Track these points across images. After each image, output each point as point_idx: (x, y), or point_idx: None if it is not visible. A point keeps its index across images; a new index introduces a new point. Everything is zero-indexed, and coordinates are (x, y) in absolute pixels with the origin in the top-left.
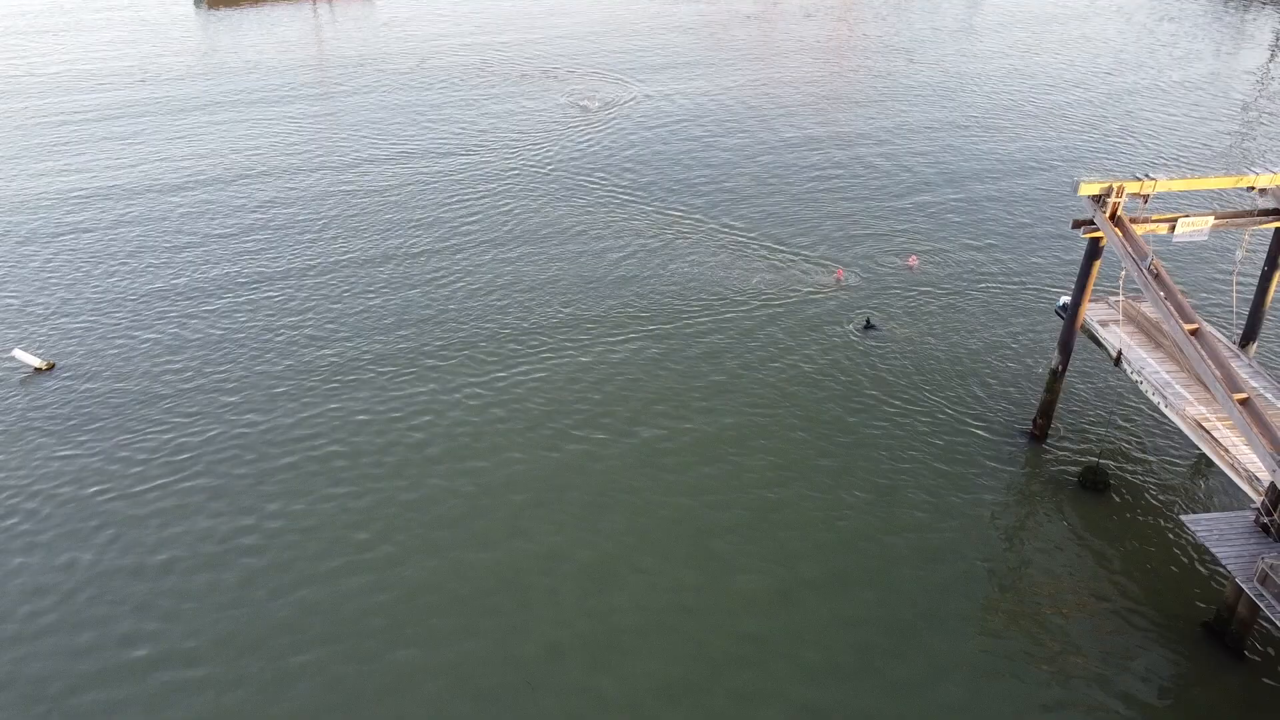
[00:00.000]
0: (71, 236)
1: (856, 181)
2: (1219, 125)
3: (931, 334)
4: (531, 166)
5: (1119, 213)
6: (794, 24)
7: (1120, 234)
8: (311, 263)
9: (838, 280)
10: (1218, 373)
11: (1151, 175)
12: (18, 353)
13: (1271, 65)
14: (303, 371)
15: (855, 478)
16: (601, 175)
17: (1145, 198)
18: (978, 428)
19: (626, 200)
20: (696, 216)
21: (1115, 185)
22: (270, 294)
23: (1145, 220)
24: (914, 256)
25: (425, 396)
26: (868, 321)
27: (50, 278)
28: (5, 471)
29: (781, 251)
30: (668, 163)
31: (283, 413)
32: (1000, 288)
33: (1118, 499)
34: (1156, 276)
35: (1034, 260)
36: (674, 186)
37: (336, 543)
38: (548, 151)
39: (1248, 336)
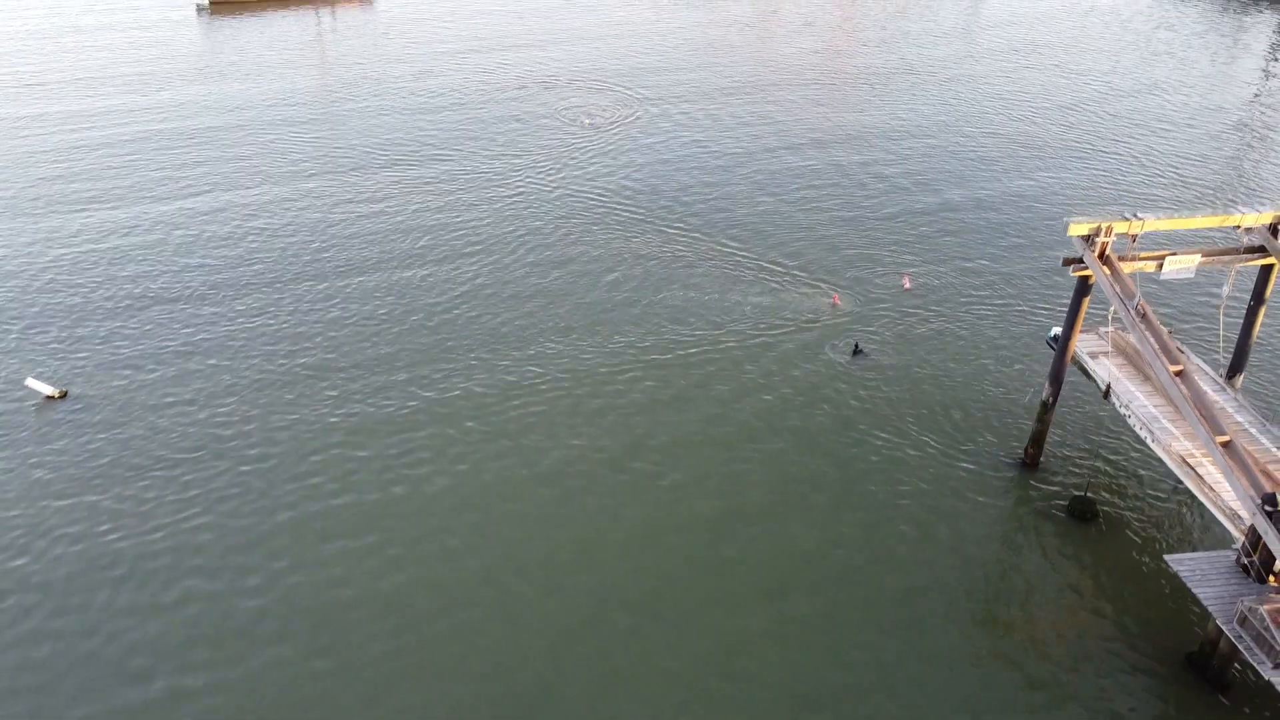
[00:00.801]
0: (81, 258)
1: (853, 195)
2: (1214, 132)
3: (924, 360)
4: (529, 182)
5: (1107, 252)
6: (793, 33)
7: (1108, 273)
8: (310, 285)
9: (834, 305)
10: (1201, 414)
11: (1139, 215)
12: (31, 381)
13: (1267, 77)
14: (305, 404)
15: (848, 510)
16: (598, 192)
17: (1134, 237)
18: (969, 457)
19: (624, 218)
20: (693, 235)
21: (1104, 225)
22: (270, 320)
23: (1134, 258)
24: (907, 277)
25: (424, 435)
26: (856, 346)
27: (58, 300)
28: (17, 497)
29: (777, 271)
30: (663, 179)
31: (287, 450)
32: (992, 309)
33: (1106, 529)
34: (1143, 317)
35: (1027, 282)
36: (670, 203)
37: (357, 588)
38: (545, 168)
39: (1234, 368)
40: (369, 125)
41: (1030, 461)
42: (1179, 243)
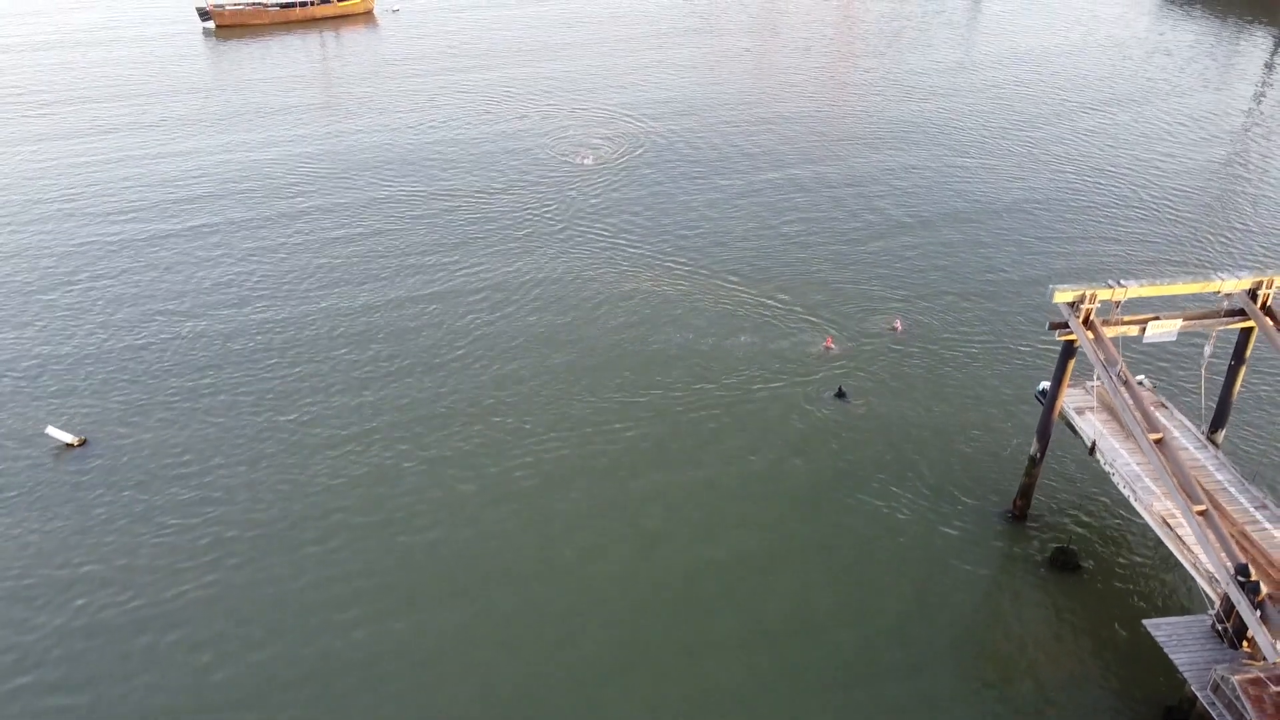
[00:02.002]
0: (95, 297)
1: (848, 230)
2: (1210, 156)
3: (913, 406)
4: (524, 218)
5: (1091, 317)
6: (792, 58)
7: (1092, 338)
8: (315, 327)
9: (826, 348)
10: (1179, 483)
11: (1123, 283)
12: (51, 430)
13: (1260, 106)
14: (313, 455)
15: (831, 556)
16: (594, 225)
17: (1117, 303)
18: (957, 507)
19: (624, 255)
20: (693, 271)
21: (1088, 293)
22: (284, 364)
23: (1118, 322)
24: (899, 319)
25: (435, 493)
26: (839, 390)
27: (74, 342)
28: (36, 546)
29: (775, 309)
30: (658, 212)
31: (304, 505)
32: (983, 350)
33: (1089, 580)
34: (1125, 383)
35: (1018, 320)
36: (669, 238)
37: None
38: (541, 202)
39: (1216, 424)
40: (366, 157)
41: (1019, 513)
42: (1163, 305)
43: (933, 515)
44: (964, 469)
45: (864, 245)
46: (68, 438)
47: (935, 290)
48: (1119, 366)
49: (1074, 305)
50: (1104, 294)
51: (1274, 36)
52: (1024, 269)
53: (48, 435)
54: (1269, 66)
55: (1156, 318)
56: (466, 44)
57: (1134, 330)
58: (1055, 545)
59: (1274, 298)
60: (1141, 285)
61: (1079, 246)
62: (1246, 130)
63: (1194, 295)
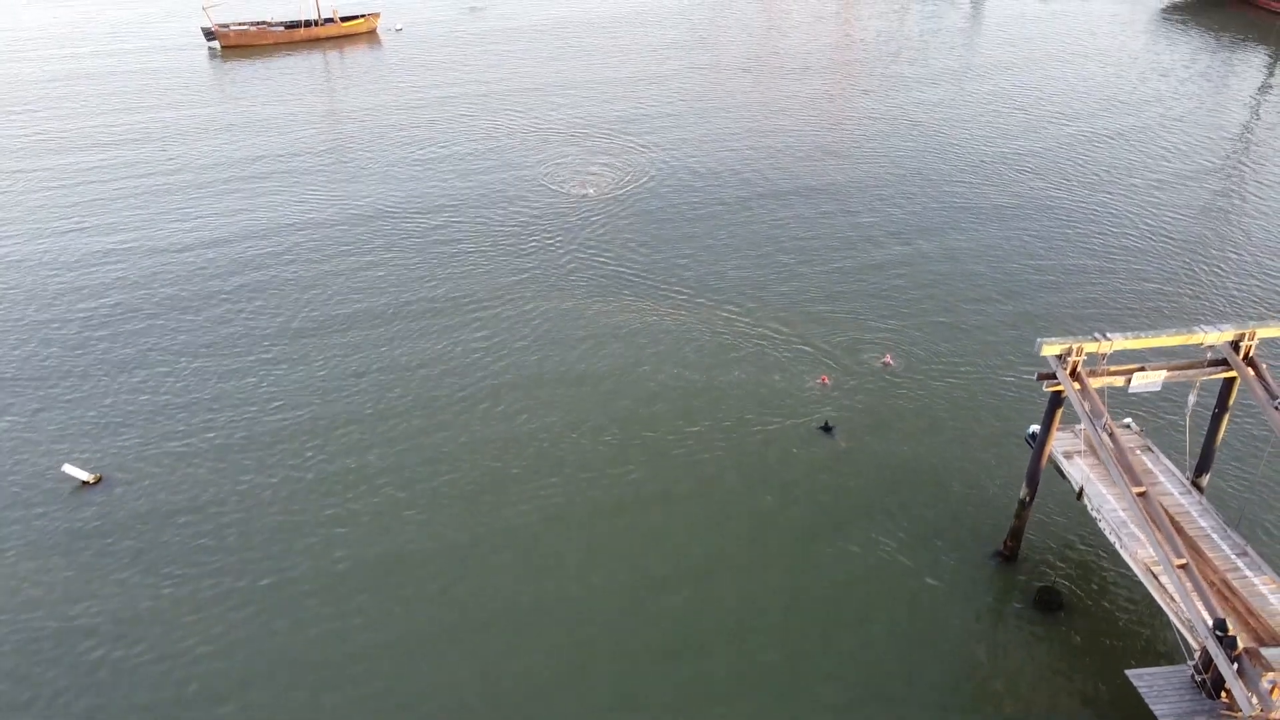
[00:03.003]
0: (106, 332)
1: (846, 257)
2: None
3: (904, 443)
4: (521, 245)
5: (1078, 370)
6: (792, 78)
7: (1078, 388)
8: (314, 362)
9: (822, 384)
10: (1161, 536)
11: (1108, 336)
12: (67, 468)
13: (1254, 134)
14: (317, 497)
15: (816, 594)
16: (593, 255)
17: (1103, 355)
18: (947, 546)
19: (614, 282)
20: (684, 299)
21: (1075, 346)
22: (295, 413)
23: (1105, 373)
24: (890, 354)
25: (447, 554)
26: (826, 424)
27: (89, 379)
28: (44, 591)
29: (773, 339)
30: (656, 240)
31: (310, 547)
32: (976, 385)
33: (1075, 622)
34: (1111, 435)
35: (1010, 356)
36: (660, 267)
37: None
38: (539, 229)
39: (1201, 469)
40: (365, 179)
41: (1009, 553)
42: (1148, 356)
43: (922, 553)
44: (954, 507)
45: (858, 275)
46: (84, 475)
47: (926, 321)
48: (1104, 419)
49: (1061, 358)
50: (1090, 347)
51: (1269, 55)
52: (1017, 300)
53: (64, 473)
54: (1264, 89)
55: (1142, 368)
56: (467, 63)
57: (1119, 381)
58: (1040, 585)
59: (1255, 349)
60: (1127, 338)
61: (1072, 277)
62: (1239, 161)
63: (1178, 346)
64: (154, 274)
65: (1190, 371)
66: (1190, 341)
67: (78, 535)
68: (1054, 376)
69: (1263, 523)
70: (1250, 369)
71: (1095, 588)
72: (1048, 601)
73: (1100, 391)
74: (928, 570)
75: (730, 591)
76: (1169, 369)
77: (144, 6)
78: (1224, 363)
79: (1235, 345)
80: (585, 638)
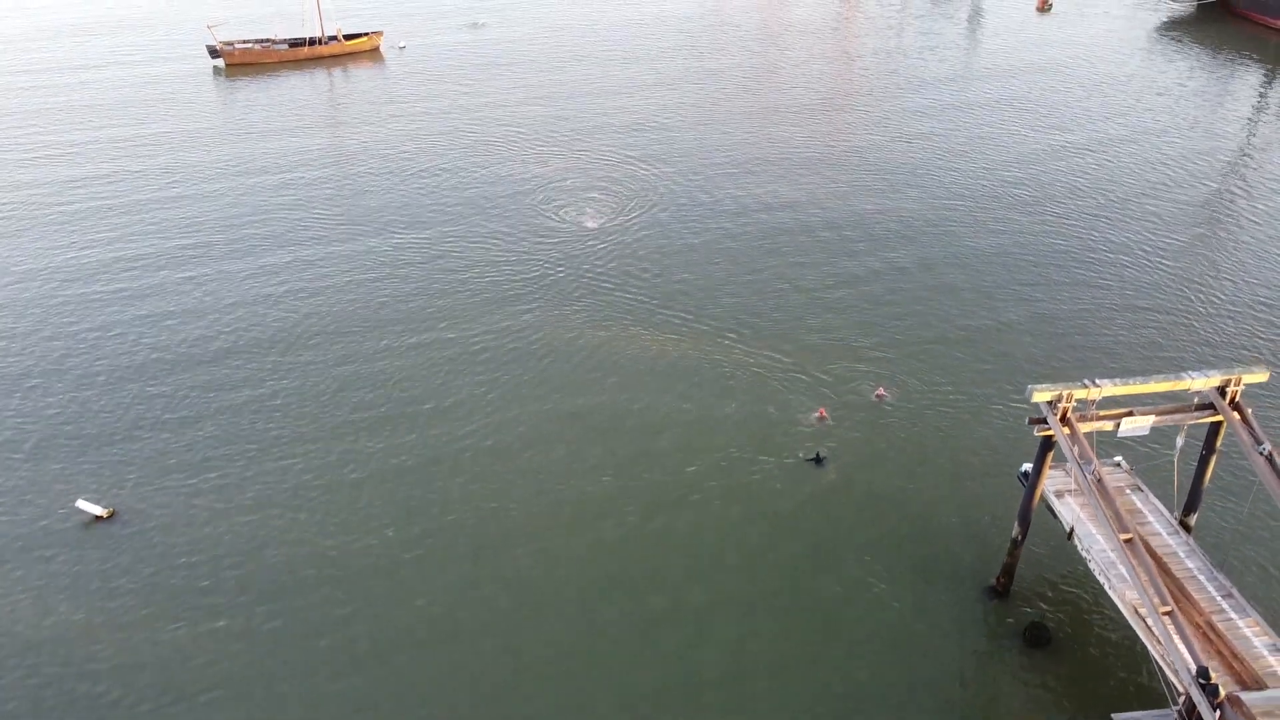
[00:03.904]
0: (107, 357)
1: (838, 285)
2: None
3: (897, 477)
4: (521, 267)
5: (1068, 415)
6: (791, 97)
7: (1068, 432)
8: (312, 398)
9: (820, 419)
10: (1147, 582)
11: (1098, 383)
12: (81, 503)
13: (1250, 157)
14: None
15: (805, 628)
16: (592, 283)
17: (1093, 401)
18: (939, 582)
19: (612, 310)
20: (677, 322)
21: (1065, 393)
22: (298, 453)
23: (1094, 418)
24: (882, 388)
25: (447, 595)
26: (817, 455)
27: (100, 413)
28: (65, 622)
29: (771, 368)
30: (656, 266)
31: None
32: (969, 418)
33: (1065, 658)
34: (1099, 482)
35: (1003, 383)
36: (660, 295)
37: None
38: (537, 257)
39: (1189, 508)
40: (366, 203)
41: (1001, 590)
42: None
43: (914, 588)
44: (946, 540)
45: (852, 301)
46: (97, 510)
47: (920, 350)
48: (1093, 465)
49: (1051, 404)
50: (1080, 393)
51: (1265, 72)
52: (1011, 331)
53: (78, 508)
54: (1258, 109)
55: (1130, 413)
56: (469, 81)
57: (1109, 426)
58: (1030, 621)
59: (1241, 394)
60: (1115, 384)
61: (1064, 305)
62: (1233, 187)
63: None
64: (161, 297)
65: (1178, 416)
66: (1178, 388)
67: (90, 572)
68: (1045, 421)
69: (1249, 563)
70: (1236, 414)
71: (1085, 625)
72: (1037, 637)
73: (1089, 436)
74: (920, 604)
75: (726, 628)
76: (1157, 414)
77: (150, 27)
78: (1211, 407)
79: (1221, 390)
80: (584, 677)
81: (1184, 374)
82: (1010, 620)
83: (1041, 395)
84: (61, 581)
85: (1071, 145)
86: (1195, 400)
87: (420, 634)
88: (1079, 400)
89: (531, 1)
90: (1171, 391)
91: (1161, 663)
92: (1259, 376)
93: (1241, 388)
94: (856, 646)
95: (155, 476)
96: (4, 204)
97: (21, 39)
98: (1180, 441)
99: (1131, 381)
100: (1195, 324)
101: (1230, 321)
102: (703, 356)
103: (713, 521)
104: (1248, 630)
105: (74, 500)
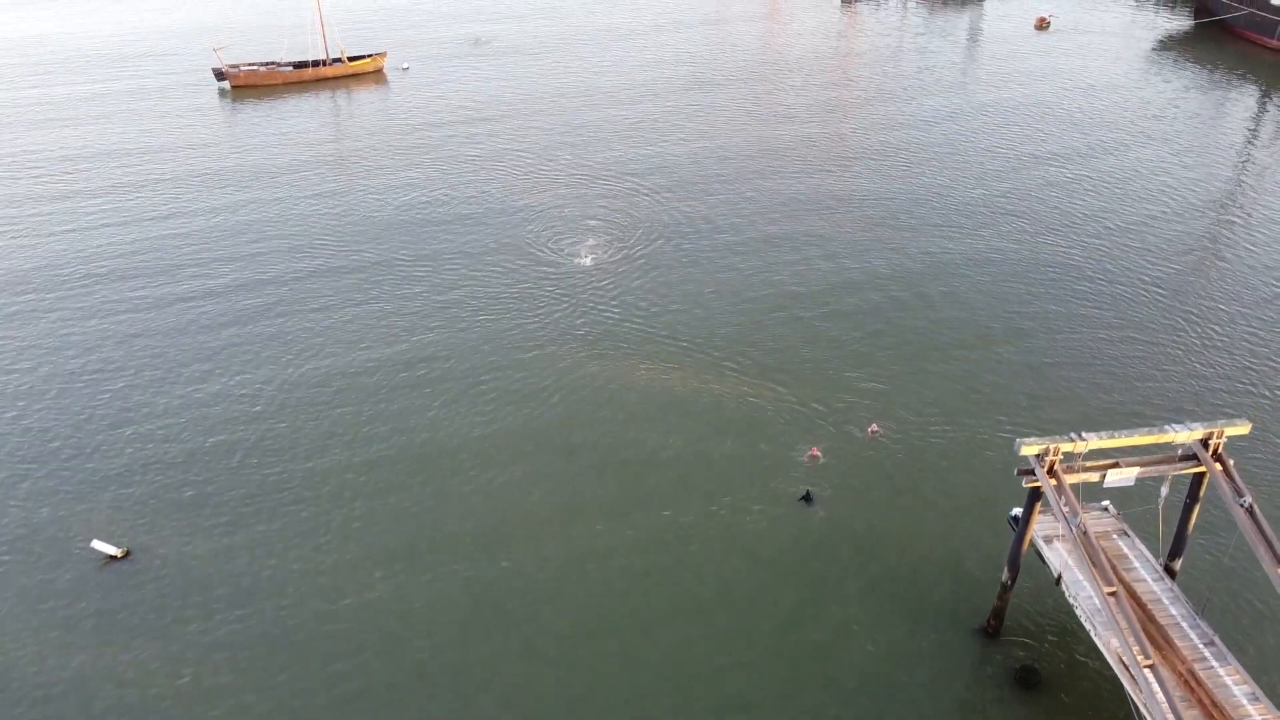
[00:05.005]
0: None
1: (833, 316)
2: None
3: (886, 516)
4: (515, 303)
5: (1055, 467)
6: (792, 124)
7: (1054, 484)
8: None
9: (813, 457)
10: (1129, 635)
11: (1084, 435)
12: (96, 543)
13: (1243, 192)
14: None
15: (797, 671)
16: (589, 315)
17: (1079, 454)
18: (930, 622)
19: (609, 345)
20: (671, 351)
21: (1052, 447)
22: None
23: (1081, 469)
24: (875, 424)
25: (443, 641)
26: (806, 494)
27: (112, 449)
28: (74, 677)
29: (766, 398)
30: (655, 298)
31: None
32: (961, 455)
33: (1053, 702)
34: (1084, 534)
35: (997, 419)
36: (653, 318)
37: None
38: (533, 291)
39: (1174, 554)
40: (367, 226)
41: (992, 631)
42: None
43: (905, 628)
44: (937, 579)
45: (846, 333)
46: (112, 550)
47: (915, 385)
48: (1079, 519)
49: (1039, 457)
50: (1066, 447)
51: (1260, 92)
52: (1007, 365)
53: (93, 548)
54: (1252, 133)
55: (1116, 464)
56: (471, 102)
57: (1095, 477)
58: (1021, 665)
59: (1223, 446)
60: (1101, 438)
61: (1063, 341)
62: (1232, 216)
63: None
64: (165, 328)
65: (1162, 467)
66: (1162, 440)
67: (105, 612)
68: (1033, 473)
69: (1230, 609)
70: (1218, 465)
71: (1075, 668)
72: (1027, 680)
73: (1076, 487)
74: (910, 645)
75: (709, 670)
76: (1142, 465)
77: (156, 50)
78: (1194, 458)
79: (1204, 443)
80: (565, 711)
81: (1168, 426)
82: (1000, 660)
83: (1029, 449)
84: (84, 624)
85: (1067, 171)
86: (1179, 451)
87: (424, 677)
88: (1065, 453)
89: (532, 15)
90: (1156, 444)
91: (1146, 712)
92: (1241, 429)
93: (1224, 440)
94: (845, 687)
95: (169, 515)
96: (4, 230)
97: (26, 57)
98: (1165, 491)
99: (1117, 434)
100: (1188, 355)
101: (1223, 349)
102: (697, 389)
103: (698, 561)
104: (1228, 679)
105: (89, 540)
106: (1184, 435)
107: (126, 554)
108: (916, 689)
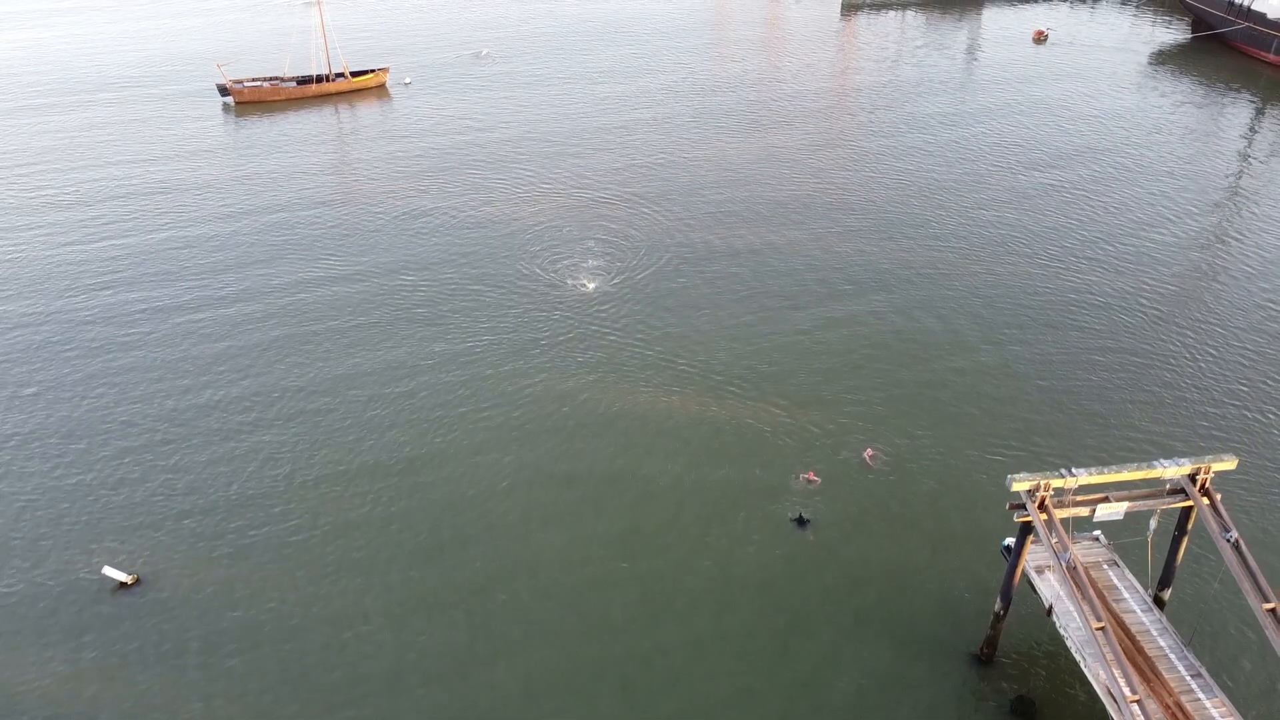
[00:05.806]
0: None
1: (827, 330)
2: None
3: (881, 542)
4: (515, 325)
5: (1046, 502)
6: (793, 137)
7: (1045, 519)
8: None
9: (808, 481)
10: (1117, 669)
11: (1074, 471)
12: (107, 570)
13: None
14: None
15: (791, 700)
16: (589, 341)
17: (1069, 490)
18: (924, 649)
19: (609, 371)
20: (669, 375)
21: (1043, 482)
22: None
23: (1071, 504)
24: (870, 449)
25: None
26: (800, 517)
27: (120, 476)
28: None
29: (765, 419)
30: (651, 326)
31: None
32: (957, 480)
33: None
34: (1073, 570)
35: (994, 442)
36: (653, 341)
37: None
38: (533, 314)
39: (1163, 584)
40: (367, 241)
41: (985, 659)
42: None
43: (898, 655)
44: (931, 606)
45: (845, 360)
46: (122, 576)
47: (911, 409)
48: (1070, 554)
49: (1030, 493)
50: (1057, 483)
51: (1255, 106)
52: (1003, 387)
53: (104, 575)
54: (1245, 151)
55: (1106, 498)
56: (473, 117)
57: (1085, 512)
58: (1016, 695)
59: (1210, 481)
60: (1091, 474)
61: (1059, 361)
62: (1229, 233)
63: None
64: (170, 344)
65: (1151, 501)
66: (1150, 476)
67: (116, 637)
68: (1025, 507)
69: (1216, 640)
70: (1206, 499)
71: (1067, 697)
72: (1022, 711)
73: (1066, 522)
74: (904, 672)
75: (701, 695)
76: (1131, 499)
77: (160, 66)
78: (1182, 492)
79: (1192, 478)
80: None
81: (1157, 462)
82: (994, 688)
83: (1020, 485)
84: (89, 653)
85: (1064, 185)
86: (1168, 486)
87: (425, 711)
88: (1056, 489)
89: (533, 31)
90: (1145, 479)
91: None
92: (1228, 465)
93: (1211, 475)
94: (839, 715)
95: (178, 541)
96: (7, 245)
97: (30, 72)
98: (1154, 523)
99: (1106, 470)
100: (1180, 380)
101: (1215, 376)
102: (697, 415)
103: (694, 593)
104: (1214, 711)
105: (100, 567)
106: (1172, 471)
107: (136, 580)
108: (910, 718)
